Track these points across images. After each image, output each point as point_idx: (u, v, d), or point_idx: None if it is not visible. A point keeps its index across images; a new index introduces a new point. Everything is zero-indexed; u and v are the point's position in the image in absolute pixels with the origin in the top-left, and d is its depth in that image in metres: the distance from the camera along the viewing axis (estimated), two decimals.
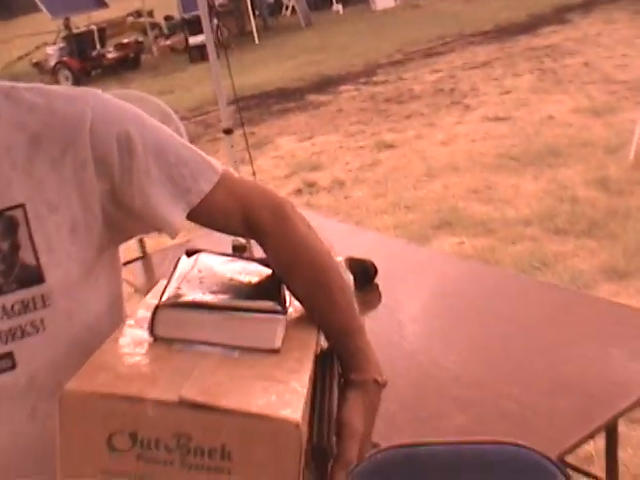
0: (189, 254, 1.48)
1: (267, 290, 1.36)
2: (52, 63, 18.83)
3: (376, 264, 2.62)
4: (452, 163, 7.04)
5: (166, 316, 1.24)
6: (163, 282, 1.38)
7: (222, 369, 1.18)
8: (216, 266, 1.46)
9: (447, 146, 7.68)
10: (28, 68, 20.53)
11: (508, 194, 6.05)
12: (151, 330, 1.23)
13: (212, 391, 1.10)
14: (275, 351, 1.24)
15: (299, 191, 7.03)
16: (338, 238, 3.04)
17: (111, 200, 1.29)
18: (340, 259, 2.22)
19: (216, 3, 19.93)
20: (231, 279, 1.41)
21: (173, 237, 1.36)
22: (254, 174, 5.26)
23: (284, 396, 1.12)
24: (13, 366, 1.25)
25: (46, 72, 18.81)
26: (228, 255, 1.53)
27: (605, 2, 15.88)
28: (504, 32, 14.41)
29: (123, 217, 1.32)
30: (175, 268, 1.42)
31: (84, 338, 1.29)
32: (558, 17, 15.03)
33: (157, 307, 1.24)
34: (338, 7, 22.79)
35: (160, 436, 1.07)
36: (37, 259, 1.23)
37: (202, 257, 1.48)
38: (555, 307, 2.32)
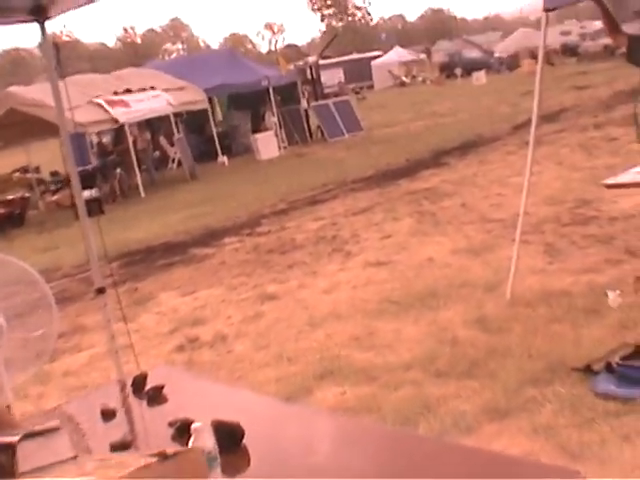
0: None
1: None
2: None
3: (245, 425, 2.53)
4: (334, 311, 7.04)
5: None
6: None
7: None
8: None
9: (329, 294, 7.69)
10: None
11: (389, 339, 6.03)
12: None
13: None
14: None
15: (181, 347, 6.89)
16: (209, 400, 2.98)
17: None
18: (198, 424, 2.16)
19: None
20: None
21: None
22: (128, 333, 5.15)
23: None
24: None
25: None
26: None
27: (480, 145, 16.61)
28: (385, 177, 14.86)
29: None
30: None
31: None
32: (436, 161, 15.62)
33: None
34: (223, 159, 23.26)
35: None
36: None
37: None
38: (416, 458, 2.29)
